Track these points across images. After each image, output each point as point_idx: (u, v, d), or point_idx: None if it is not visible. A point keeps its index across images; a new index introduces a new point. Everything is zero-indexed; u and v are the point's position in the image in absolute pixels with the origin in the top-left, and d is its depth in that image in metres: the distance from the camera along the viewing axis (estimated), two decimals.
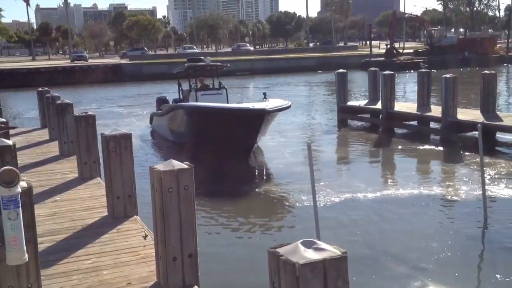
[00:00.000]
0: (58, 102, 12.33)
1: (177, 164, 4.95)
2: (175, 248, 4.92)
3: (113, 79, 52.88)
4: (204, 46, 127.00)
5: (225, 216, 10.88)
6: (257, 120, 13.87)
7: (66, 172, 10.06)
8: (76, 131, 9.44)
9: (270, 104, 14.47)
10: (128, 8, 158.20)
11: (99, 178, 9.35)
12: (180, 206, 4.89)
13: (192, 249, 5.00)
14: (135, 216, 7.18)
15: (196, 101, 16.87)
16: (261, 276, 7.21)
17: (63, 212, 7.51)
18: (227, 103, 17.14)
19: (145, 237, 6.31)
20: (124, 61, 64.97)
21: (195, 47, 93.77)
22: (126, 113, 28.42)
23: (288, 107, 15.00)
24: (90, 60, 68.36)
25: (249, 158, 15.03)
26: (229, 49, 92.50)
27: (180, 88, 19.71)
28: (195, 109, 15.03)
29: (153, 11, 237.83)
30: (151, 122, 21.19)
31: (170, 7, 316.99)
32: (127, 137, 7.15)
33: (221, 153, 13.86)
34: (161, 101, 20.68)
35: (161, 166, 4.93)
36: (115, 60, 70.47)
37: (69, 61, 68.78)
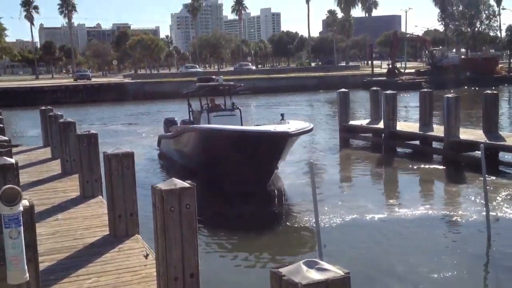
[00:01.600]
0: (61, 120, 12.37)
1: (179, 183, 4.95)
2: (176, 268, 4.88)
3: (116, 97, 53.15)
4: (207, 65, 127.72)
5: (227, 236, 10.82)
6: (279, 144, 12.81)
7: (68, 190, 10.05)
8: (79, 150, 9.45)
9: (292, 126, 13.32)
10: (132, 28, 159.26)
11: (101, 196, 9.33)
12: (182, 225, 4.87)
13: (193, 268, 4.96)
14: (136, 235, 7.15)
15: (209, 123, 15.87)
16: None
17: (65, 231, 7.48)
18: (241, 124, 16.35)
19: (146, 256, 6.27)
20: (127, 80, 65.34)
21: (197, 66, 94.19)
22: (129, 132, 28.48)
23: (311, 129, 13.99)
24: (93, 79, 68.75)
25: (268, 185, 13.85)
26: (231, 69, 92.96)
27: (190, 109, 18.70)
28: (210, 132, 13.90)
29: (156, 31, 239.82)
30: (159, 144, 20.23)
31: (173, 26, 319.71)
32: (129, 155, 7.16)
33: (238, 180, 12.77)
34: (170, 122, 19.98)
35: (163, 185, 4.93)
36: (118, 79, 70.86)
37: (73, 80, 69.18)
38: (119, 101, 51.44)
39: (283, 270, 3.00)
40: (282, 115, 15.92)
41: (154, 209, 4.99)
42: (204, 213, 11.92)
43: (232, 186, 12.78)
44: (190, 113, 18.60)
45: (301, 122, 15.02)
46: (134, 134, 27.03)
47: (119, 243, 6.85)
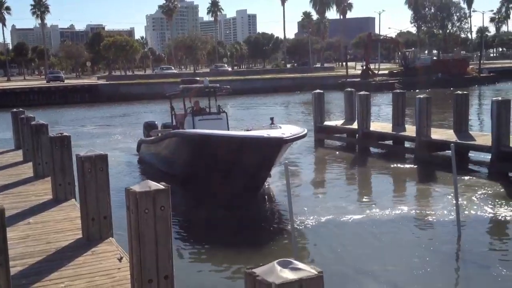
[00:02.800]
0: (33, 123, 12.17)
1: (153, 185, 4.93)
2: (150, 270, 4.87)
3: (90, 99, 52.55)
4: (182, 67, 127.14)
5: (201, 237, 10.80)
6: (274, 150, 12.10)
7: (40, 193, 9.90)
8: (51, 152, 9.33)
9: (285, 131, 12.47)
10: (106, 29, 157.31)
11: (74, 199, 9.22)
12: (156, 227, 4.86)
13: (168, 270, 4.95)
14: (110, 238, 7.09)
15: (194, 127, 15.15)
16: None
17: (37, 235, 7.37)
18: (228, 128, 15.70)
19: (120, 259, 6.23)
20: (101, 81, 64.65)
21: (173, 67, 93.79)
22: (105, 134, 28.18)
23: (305, 134, 13.13)
24: (66, 81, 67.83)
25: (258, 193, 13.16)
26: (207, 70, 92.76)
27: (173, 112, 17.86)
28: (198, 137, 12.99)
29: (130, 32, 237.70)
30: (138, 149, 19.11)
31: (148, 28, 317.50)
32: (103, 158, 7.10)
33: (227, 187, 12.20)
34: (150, 126, 19.13)
35: (137, 187, 4.91)
36: (92, 80, 70.07)
37: (45, 81, 68.12)
38: (93, 103, 50.88)
39: (257, 270, 3.02)
40: (271, 118, 15.19)
41: (128, 212, 4.96)
42: (179, 214, 11.94)
43: (221, 194, 12.20)
44: (173, 116, 17.83)
45: (294, 126, 14.23)
46: (110, 137, 26.63)
47: (93, 246, 6.79)
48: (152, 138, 17.04)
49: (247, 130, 14.16)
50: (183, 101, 17.40)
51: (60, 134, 9.56)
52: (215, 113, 16.57)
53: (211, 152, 12.55)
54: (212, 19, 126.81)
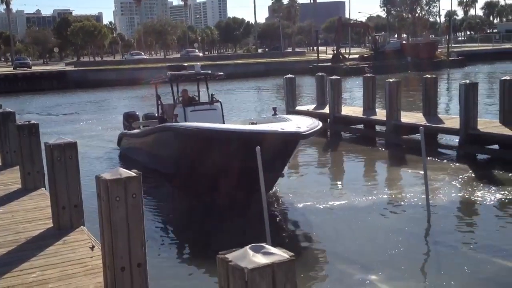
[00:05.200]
0: (0, 110, 11.90)
1: (124, 172, 4.89)
2: (123, 258, 4.84)
3: (58, 86, 51.59)
4: (153, 52, 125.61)
5: (174, 224, 10.81)
6: (290, 147, 10.64)
7: (8, 183, 9.72)
8: (19, 141, 9.14)
9: (299, 124, 10.87)
10: (73, 14, 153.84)
11: (44, 188, 9.08)
12: (128, 215, 4.83)
13: (141, 258, 4.94)
14: (81, 226, 7.02)
15: (185, 119, 13.71)
16: (212, 283, 7.21)
17: (6, 225, 7.25)
18: (223, 120, 14.44)
19: (92, 247, 6.18)
20: (69, 68, 63.47)
21: (142, 53, 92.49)
22: (75, 121, 27.73)
23: (321, 128, 11.36)
24: (33, 67, 66.38)
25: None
26: (178, 55, 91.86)
27: (160, 102, 16.23)
28: (196, 132, 11.17)
29: (99, 17, 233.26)
30: (119, 143, 17.65)
31: (116, 12, 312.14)
32: (72, 146, 7.00)
33: (230, 189, 10.65)
34: (130, 117, 17.66)
35: (107, 175, 4.86)
36: (60, 67, 68.71)
37: (12, 68, 66.52)
38: (61, 90, 49.96)
39: (229, 256, 3.05)
40: (274, 109, 14.15)
41: (98, 200, 4.91)
42: (152, 202, 11.89)
43: (227, 196, 10.75)
44: (159, 106, 16.24)
45: (302, 117, 12.59)
46: (81, 125, 26.02)
47: (64, 235, 6.71)
48: (137, 131, 15.87)
49: (252, 123, 12.47)
50: (172, 89, 15.78)
51: (28, 122, 9.37)
52: (208, 103, 15.04)
53: (212, 149, 10.91)
54: (182, 3, 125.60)
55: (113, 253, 4.84)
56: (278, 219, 10.36)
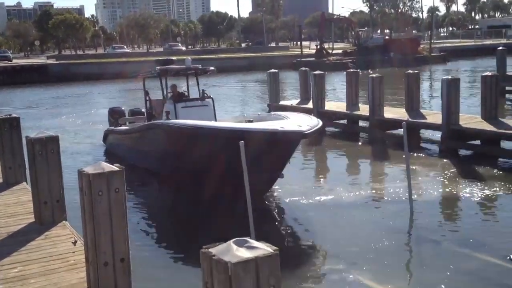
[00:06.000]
0: None
1: (107, 167, 4.85)
2: (106, 253, 4.81)
3: (39, 80, 50.90)
4: (135, 46, 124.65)
5: (158, 220, 10.77)
6: (290, 146, 10.33)
7: None
8: (0, 135, 9.02)
9: (301, 123, 10.45)
10: (54, 7, 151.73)
11: (25, 183, 8.98)
12: (111, 210, 4.79)
13: (124, 253, 4.91)
14: (64, 221, 6.96)
15: (176, 116, 13.25)
16: (196, 278, 7.20)
17: None
18: (215, 117, 13.91)
19: (74, 242, 6.13)
20: (51, 61, 62.71)
21: (125, 47, 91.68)
22: (56, 115, 27.42)
23: (321, 127, 10.95)
24: (14, 61, 65.42)
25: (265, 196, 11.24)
26: (161, 49, 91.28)
27: (148, 97, 15.50)
28: (197, 130, 10.54)
29: (80, 10, 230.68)
30: (105, 140, 17.14)
31: (98, 5, 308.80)
32: (54, 139, 6.93)
33: (226, 189, 10.08)
34: (116, 113, 17.06)
35: (90, 169, 4.81)
36: (41, 60, 67.82)
37: None
38: (43, 83, 49.32)
39: (213, 250, 3.03)
40: (269, 105, 13.64)
41: (81, 194, 4.87)
42: (136, 196, 11.83)
43: (224, 198, 10.31)
44: (147, 102, 15.55)
45: (299, 114, 12.35)
46: (66, 121, 25.60)
47: (46, 230, 6.64)
48: (125, 128, 15.40)
49: (248, 121, 12.05)
50: (161, 84, 15.39)
51: (8, 116, 9.25)
52: (199, 99, 14.47)
53: (208, 148, 10.45)
54: None
55: (96, 248, 4.80)
56: (262, 214, 10.36)
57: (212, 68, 16.13)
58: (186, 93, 15.35)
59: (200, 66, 15.80)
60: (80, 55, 78.42)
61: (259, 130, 9.95)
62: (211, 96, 14.68)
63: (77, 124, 24.02)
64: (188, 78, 16.24)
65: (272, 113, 12.74)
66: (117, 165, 4.94)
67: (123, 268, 4.90)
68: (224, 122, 11.62)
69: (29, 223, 6.98)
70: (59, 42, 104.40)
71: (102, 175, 4.72)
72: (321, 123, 10.91)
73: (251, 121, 11.94)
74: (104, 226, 4.78)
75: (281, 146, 9.99)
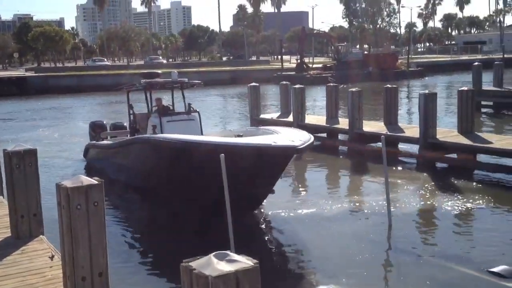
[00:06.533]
0: None
1: (86, 180, 4.82)
2: (84, 268, 4.76)
3: (18, 92, 50.29)
4: (116, 59, 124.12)
5: (138, 233, 10.68)
6: (283, 162, 10.17)
7: None
8: None
9: (293, 138, 10.19)
10: (34, 19, 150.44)
11: (2, 196, 8.84)
12: (90, 224, 4.75)
13: (102, 267, 4.86)
14: (41, 236, 6.87)
15: (161, 130, 12.92)
16: None
17: None
18: (201, 131, 13.70)
19: (51, 257, 6.05)
20: (29, 73, 62.06)
21: (105, 59, 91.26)
22: (35, 129, 27.07)
23: (313, 142, 10.69)
24: None
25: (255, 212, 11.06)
26: (142, 62, 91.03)
27: (132, 111, 15.22)
28: (181, 145, 10.16)
29: (60, 22, 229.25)
30: (85, 154, 16.74)
31: (78, 18, 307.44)
32: (32, 153, 6.86)
33: (215, 207, 9.57)
34: (98, 127, 16.68)
35: (68, 182, 4.78)
36: (19, 72, 67.06)
37: None
38: (21, 95, 48.75)
39: (193, 264, 3.03)
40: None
41: (59, 208, 4.82)
42: (114, 210, 11.73)
43: (212, 214, 9.91)
44: (131, 116, 15.24)
45: (288, 129, 12.25)
46: (45, 134, 25.24)
47: (22, 244, 6.55)
48: (108, 142, 15.03)
49: (238, 136, 11.68)
50: (146, 98, 15.05)
51: None
52: (185, 113, 14.20)
53: (198, 164, 10.02)
54: (145, 10, 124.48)
55: (73, 263, 4.75)
56: (242, 227, 10.33)
57: (199, 81, 15.94)
58: (171, 107, 15.05)
59: (186, 79, 15.60)
60: (60, 67, 77.76)
61: (253, 145, 9.66)
62: (197, 110, 14.43)
63: (56, 137, 23.69)
64: (173, 91, 15.97)
65: (261, 127, 12.60)
66: (96, 178, 4.91)
67: (101, 283, 4.85)
68: (214, 137, 11.26)
69: (6, 237, 6.88)
70: (38, 54, 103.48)
71: (81, 188, 4.69)
72: (312, 137, 10.65)
73: (241, 136, 11.58)
74: (82, 240, 4.73)
75: (274, 161, 9.83)
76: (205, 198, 10.03)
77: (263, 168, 9.75)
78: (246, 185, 9.75)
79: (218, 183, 8.56)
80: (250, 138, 10.53)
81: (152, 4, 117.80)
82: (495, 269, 7.71)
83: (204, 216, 10.19)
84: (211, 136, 12.46)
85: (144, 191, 12.39)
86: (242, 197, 9.54)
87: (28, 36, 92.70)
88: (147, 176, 12.17)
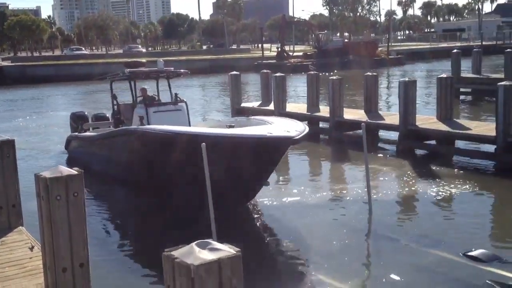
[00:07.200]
0: None
1: (65, 170, 4.76)
2: (64, 258, 4.72)
3: None
4: (94, 48, 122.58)
5: (119, 223, 10.63)
6: (278, 153, 9.88)
7: None
8: None
9: (289, 128, 9.93)
10: (10, 8, 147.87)
11: None
12: (70, 214, 4.71)
13: (83, 258, 4.82)
14: (20, 227, 6.79)
15: (148, 122, 12.56)
16: (159, 281, 7.14)
17: None
18: (189, 121, 13.43)
19: (31, 248, 5.99)
20: (6, 63, 60.98)
21: (83, 48, 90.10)
22: (12, 120, 26.66)
23: (309, 132, 10.41)
24: None
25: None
26: (120, 51, 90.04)
27: (116, 102, 14.88)
28: (175, 137, 9.86)
29: (37, 11, 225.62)
30: (67, 146, 16.26)
31: (55, 6, 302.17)
32: (9, 143, 6.76)
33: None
34: (79, 118, 16.16)
35: (47, 173, 4.71)
36: None
37: None
38: None
39: (175, 253, 3.02)
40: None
41: (38, 199, 4.76)
42: (95, 200, 11.64)
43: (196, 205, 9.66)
44: (115, 106, 14.89)
45: (281, 119, 11.89)
46: (23, 124, 24.88)
47: (1, 236, 6.48)
48: (91, 134, 14.64)
49: (230, 126, 11.22)
50: (130, 87, 14.70)
51: None
52: (171, 103, 13.86)
53: (188, 156, 9.59)
54: None
55: (54, 254, 4.70)
56: (224, 215, 10.34)
57: (185, 71, 15.52)
58: (156, 97, 14.58)
59: (172, 68, 15.25)
60: (37, 57, 76.55)
61: (249, 136, 9.36)
62: (184, 100, 14.12)
63: (35, 127, 23.37)
64: (158, 81, 15.51)
65: (251, 117, 12.33)
66: (76, 168, 4.85)
67: (82, 274, 4.82)
68: (208, 128, 10.72)
69: None
70: (15, 43, 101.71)
71: (60, 179, 4.63)
72: (307, 128, 10.35)
73: (232, 126, 11.14)
74: (62, 231, 4.69)
75: (269, 152, 9.56)
76: (195, 190, 9.57)
77: (258, 159, 9.47)
78: (240, 176, 9.62)
79: (212, 175, 8.36)
80: (244, 129, 10.15)
81: None
82: (472, 253, 7.85)
83: (193, 207, 9.99)
84: (201, 127, 12.09)
85: (131, 183, 12.13)
86: (236, 188, 9.48)
87: (4, 25, 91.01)
88: (134, 168, 11.88)
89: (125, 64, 15.47)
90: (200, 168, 8.51)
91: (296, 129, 9.88)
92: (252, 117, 12.50)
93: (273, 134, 9.34)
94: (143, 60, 16.69)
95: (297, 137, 9.39)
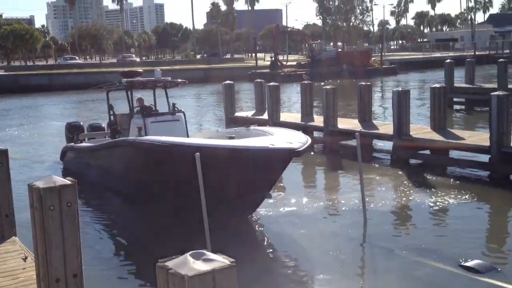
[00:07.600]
0: None
1: (59, 180, 4.74)
2: (58, 269, 4.68)
3: None
4: (87, 57, 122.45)
5: (113, 233, 10.57)
6: (281, 165, 9.71)
7: None
8: None
9: (291, 139, 9.77)
10: (3, 17, 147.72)
11: None
12: (63, 225, 4.67)
13: (76, 269, 4.79)
14: (14, 237, 6.74)
15: (146, 132, 12.29)
16: None
17: None
18: (187, 131, 13.36)
19: (25, 259, 5.94)
20: None
21: (77, 58, 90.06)
22: (5, 129, 26.54)
23: (312, 143, 10.62)
24: None
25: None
26: (114, 60, 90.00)
27: (112, 112, 14.75)
28: (171, 148, 9.68)
29: (30, 20, 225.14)
30: (62, 157, 16.11)
31: (49, 16, 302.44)
32: (3, 153, 6.72)
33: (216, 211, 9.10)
34: (75, 128, 15.99)
35: (40, 183, 4.69)
36: None
37: None
38: None
39: (169, 263, 3.01)
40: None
41: (32, 209, 4.73)
42: (89, 210, 11.58)
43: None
44: (111, 116, 14.77)
45: (283, 129, 11.62)
46: (16, 134, 24.68)
47: None
48: (88, 145, 14.53)
49: (230, 137, 10.73)
50: (127, 97, 14.39)
51: None
52: (169, 113, 13.70)
53: (189, 167, 8.95)
54: (117, 7, 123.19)
55: (47, 264, 4.67)
56: (219, 225, 10.31)
57: (183, 80, 15.30)
58: (153, 107, 14.45)
59: (169, 78, 15.14)
60: (30, 66, 76.41)
61: (251, 148, 9.14)
62: (182, 110, 13.94)
63: (28, 137, 23.23)
64: (155, 91, 15.39)
65: (251, 128, 12.12)
66: (70, 178, 4.83)
67: (75, 284, 4.78)
68: (209, 140, 10.39)
69: None
70: (8, 53, 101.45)
71: (54, 189, 4.60)
72: (309, 139, 10.16)
73: (233, 137, 10.67)
74: (56, 242, 4.65)
75: (271, 164, 9.34)
76: (196, 201, 8.92)
77: (261, 171, 9.29)
78: (242, 188, 9.47)
79: (214, 187, 8.26)
80: (246, 141, 9.92)
81: (124, 1, 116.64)
82: (468, 264, 7.84)
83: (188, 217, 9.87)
84: (201, 138, 11.93)
85: (129, 195, 11.92)
86: (238, 200, 9.38)
87: None
88: (133, 180, 11.64)
89: (122, 74, 15.27)
90: (205, 179, 8.28)
91: (299, 140, 9.70)
92: (252, 127, 12.35)
93: (275, 146, 9.16)
94: (140, 69, 16.63)
95: (300, 149, 9.18)
